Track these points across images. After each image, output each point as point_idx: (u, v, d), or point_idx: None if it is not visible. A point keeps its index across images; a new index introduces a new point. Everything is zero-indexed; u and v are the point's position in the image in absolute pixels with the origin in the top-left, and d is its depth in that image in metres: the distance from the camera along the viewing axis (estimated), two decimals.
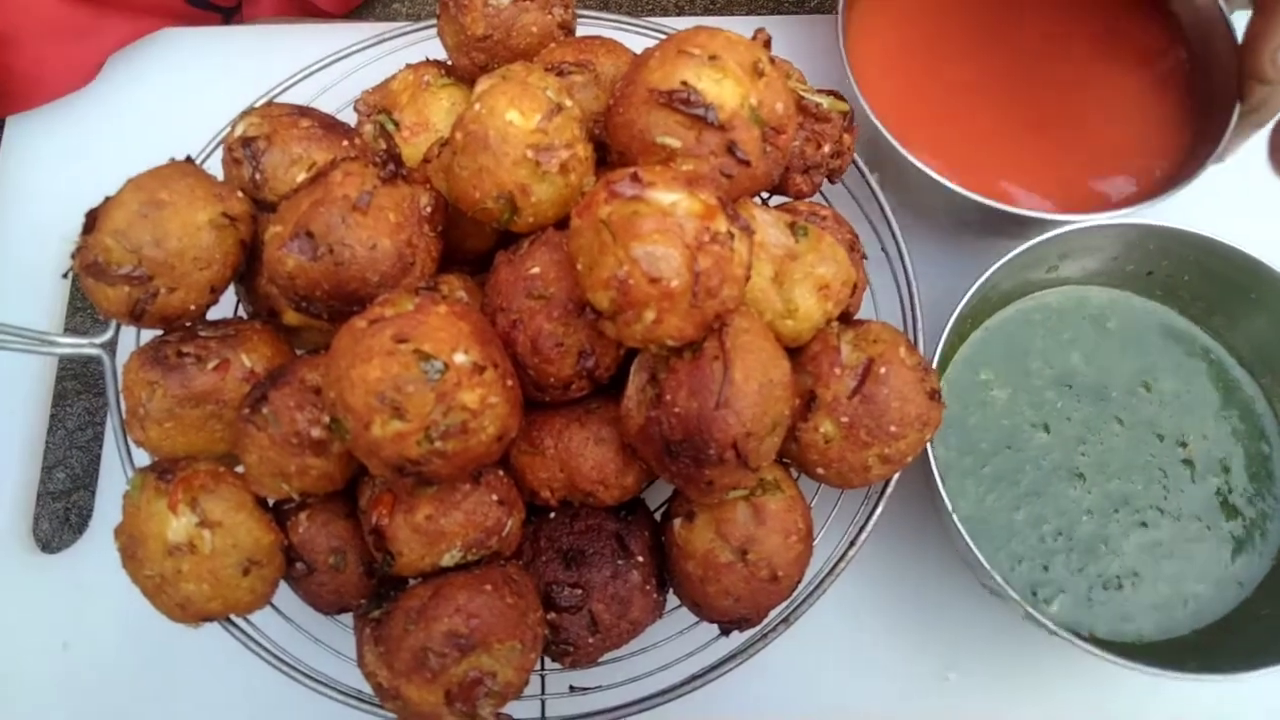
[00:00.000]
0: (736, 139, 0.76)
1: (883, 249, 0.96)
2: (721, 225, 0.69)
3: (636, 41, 1.03)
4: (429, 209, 0.80)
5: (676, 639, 0.87)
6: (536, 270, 0.76)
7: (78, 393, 1.33)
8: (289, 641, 0.86)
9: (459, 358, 0.67)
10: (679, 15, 1.58)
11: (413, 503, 0.73)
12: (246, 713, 0.97)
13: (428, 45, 1.02)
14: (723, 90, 0.75)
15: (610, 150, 0.81)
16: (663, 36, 1.02)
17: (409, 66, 0.98)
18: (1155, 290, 0.99)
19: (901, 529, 0.99)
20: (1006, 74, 1.03)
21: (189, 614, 0.76)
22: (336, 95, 1.03)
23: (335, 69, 1.03)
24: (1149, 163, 0.99)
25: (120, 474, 0.90)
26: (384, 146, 0.78)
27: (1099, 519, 0.92)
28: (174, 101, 1.22)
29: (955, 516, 0.85)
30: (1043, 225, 0.93)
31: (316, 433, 0.73)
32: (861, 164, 0.96)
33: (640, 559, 0.82)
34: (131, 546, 0.76)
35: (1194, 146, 0.97)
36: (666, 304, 0.67)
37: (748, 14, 1.49)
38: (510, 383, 0.71)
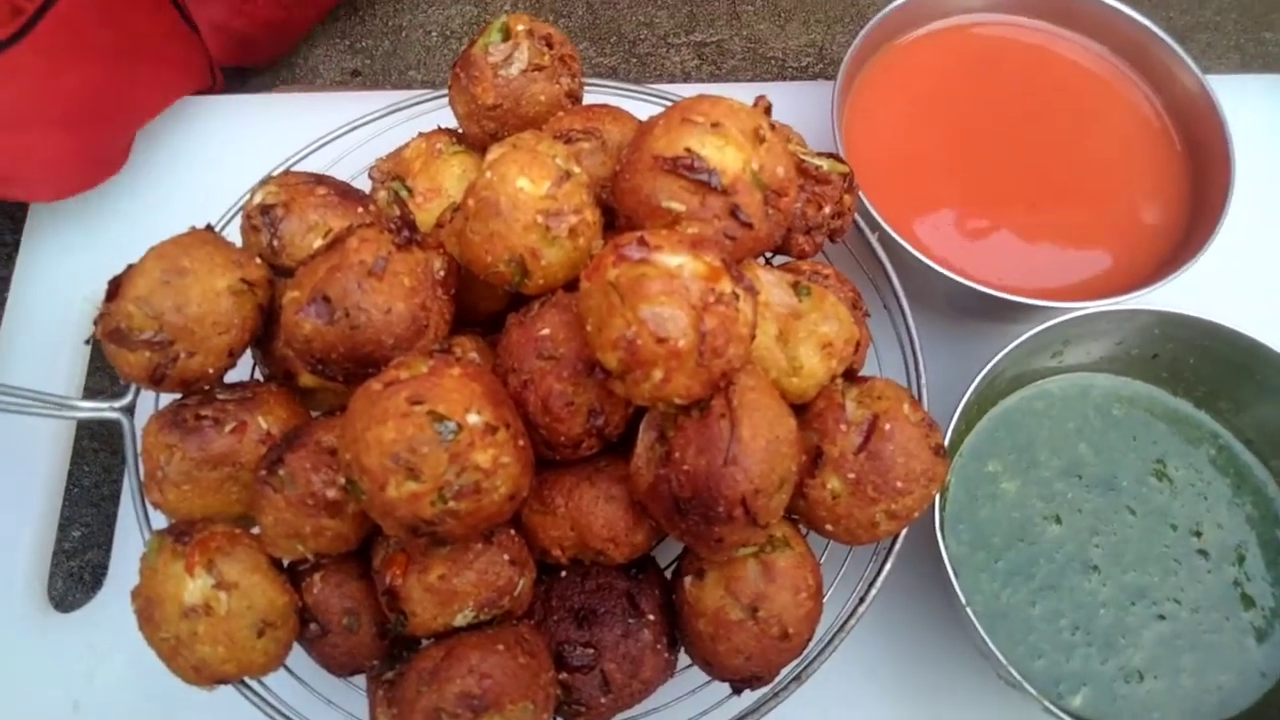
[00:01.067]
0: (739, 202, 0.78)
1: (884, 305, 0.98)
2: (726, 286, 0.71)
3: (642, 108, 1.07)
4: (442, 273, 0.82)
5: (688, 698, 0.87)
6: (546, 332, 0.78)
7: (94, 451, 1.35)
8: (302, 704, 0.86)
9: (472, 418, 0.68)
10: (684, 82, 1.62)
11: (426, 563, 0.74)
12: None
13: (439, 114, 1.06)
14: (725, 156, 0.78)
15: (617, 214, 0.84)
16: (667, 104, 1.06)
17: (421, 135, 1.01)
18: (1161, 374, 1.00)
19: (911, 590, 0.99)
20: (1001, 154, 1.06)
21: (204, 676, 0.76)
22: (351, 163, 1.06)
23: (350, 138, 1.07)
24: (1148, 244, 1.01)
25: (136, 534, 0.91)
26: (398, 213, 0.80)
27: (1116, 611, 0.92)
28: (195, 169, 1.26)
29: (970, 611, 0.85)
30: (1044, 312, 0.95)
31: (332, 494, 0.75)
32: (861, 223, 0.99)
33: (651, 617, 0.82)
34: (148, 609, 0.77)
35: (1192, 228, 1.00)
36: (674, 363, 0.69)
37: (752, 80, 1.54)
38: (522, 443, 0.72)
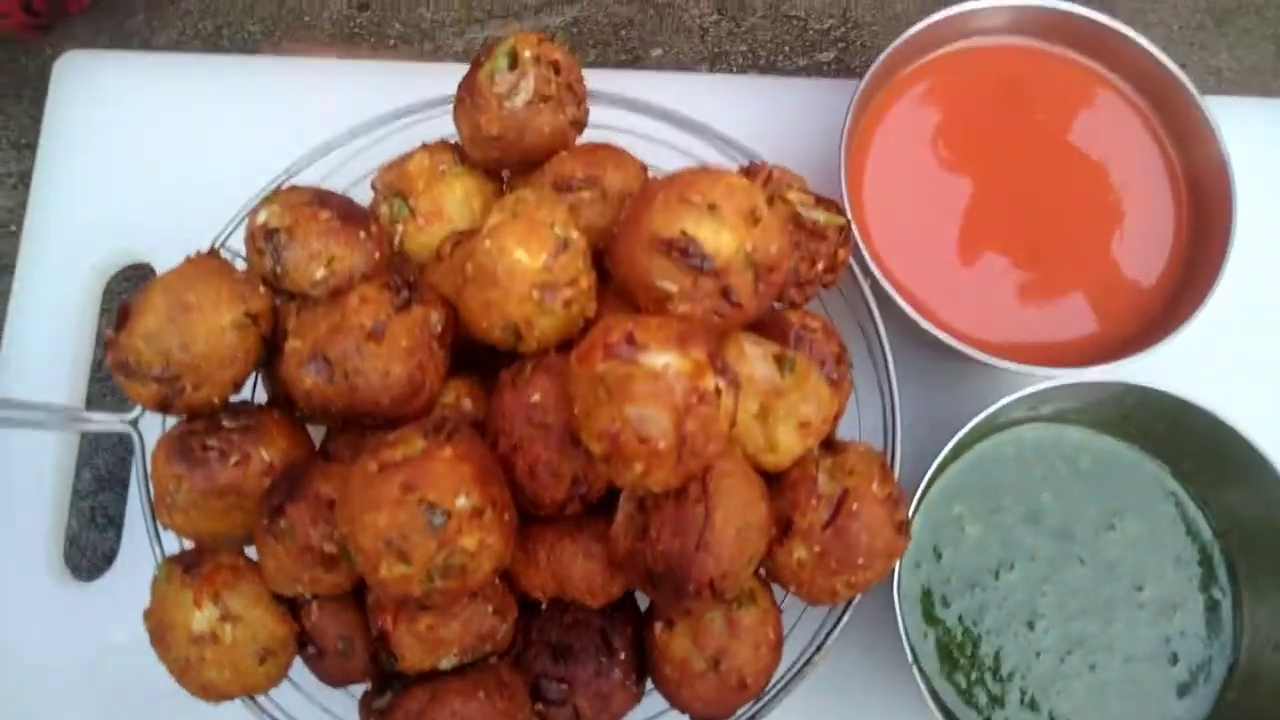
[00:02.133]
0: (730, 284, 0.80)
1: (869, 351, 1.00)
2: (709, 383, 0.73)
3: (645, 123, 1.06)
4: (439, 327, 0.85)
5: None
6: (537, 398, 0.81)
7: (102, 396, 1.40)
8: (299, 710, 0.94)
9: (461, 502, 0.72)
10: (701, 39, 1.55)
11: (415, 613, 0.80)
12: None
13: (445, 120, 1.04)
14: (720, 240, 0.79)
15: (612, 274, 0.85)
16: (671, 121, 1.05)
17: (425, 147, 1.00)
18: (1131, 431, 1.02)
19: (864, 627, 1.04)
20: (1006, 198, 1.05)
21: (210, 695, 0.83)
22: (352, 168, 1.05)
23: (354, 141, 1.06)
24: (1137, 304, 1.02)
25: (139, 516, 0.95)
26: (400, 281, 0.82)
27: (1054, 659, 0.98)
28: (204, 129, 1.25)
29: (915, 669, 0.92)
30: (1026, 376, 0.97)
31: (329, 548, 0.80)
32: (855, 268, 1.00)
33: (623, 655, 0.89)
34: (160, 631, 0.83)
35: (1180, 297, 1.00)
36: (654, 460, 0.73)
37: (770, 40, 1.48)
38: (507, 516, 0.77)
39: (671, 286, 0.79)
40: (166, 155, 1.25)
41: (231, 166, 1.05)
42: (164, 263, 1.13)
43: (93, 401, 1.29)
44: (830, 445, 0.89)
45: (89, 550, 1.35)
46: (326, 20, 1.47)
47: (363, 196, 1.01)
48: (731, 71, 1.48)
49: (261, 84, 1.27)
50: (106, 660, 1.09)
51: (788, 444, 0.83)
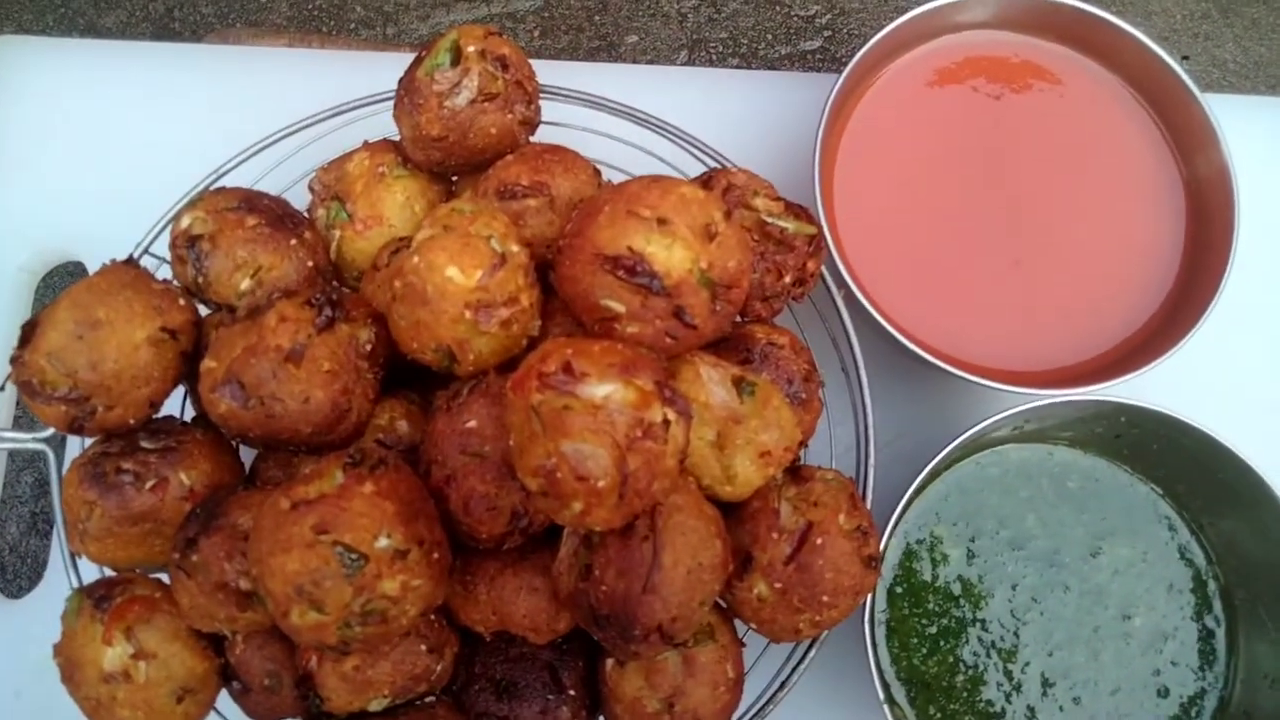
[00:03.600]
0: (684, 304, 0.73)
1: (843, 368, 0.94)
2: (656, 414, 0.67)
3: (607, 121, 0.99)
4: (369, 345, 0.78)
5: None
6: (473, 424, 0.75)
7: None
8: None
9: (381, 543, 0.66)
10: (680, 25, 1.48)
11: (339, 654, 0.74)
12: None
13: (386, 119, 0.97)
14: (671, 256, 0.72)
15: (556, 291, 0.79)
16: (636, 119, 0.98)
17: (366, 147, 0.94)
18: (1123, 451, 0.96)
19: (837, 658, 0.99)
20: (991, 205, 0.98)
21: None
22: (290, 167, 0.98)
23: (293, 137, 0.99)
24: (1131, 318, 0.95)
25: None
26: (324, 297, 0.75)
27: (1036, 690, 0.92)
28: (148, 120, 1.18)
29: (886, 707, 0.87)
30: (1011, 394, 0.91)
31: (244, 584, 0.74)
32: (828, 278, 0.93)
33: (572, 692, 0.83)
34: (69, 669, 0.77)
35: (1176, 311, 0.94)
36: (594, 500, 0.66)
37: (752, 28, 1.41)
38: (436, 555, 0.71)
39: (618, 307, 0.73)
40: (107, 147, 1.18)
41: (177, 160, 0.98)
42: (100, 263, 1.06)
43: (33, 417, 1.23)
44: (795, 473, 0.82)
45: (29, 558, 1.30)
46: (284, 2, 1.40)
47: (301, 197, 0.95)
48: (710, 60, 1.41)
49: (208, 74, 1.20)
50: (33, 682, 1.03)
51: (746, 475, 0.77)
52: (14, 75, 1.19)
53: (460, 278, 0.72)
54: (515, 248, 0.75)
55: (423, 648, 0.76)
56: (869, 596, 0.89)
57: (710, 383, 0.77)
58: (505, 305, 0.73)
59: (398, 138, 0.94)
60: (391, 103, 0.96)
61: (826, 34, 1.36)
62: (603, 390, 0.66)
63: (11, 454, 1.30)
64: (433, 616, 0.78)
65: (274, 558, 0.65)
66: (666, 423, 0.68)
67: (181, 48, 1.26)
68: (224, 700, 0.83)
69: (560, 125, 0.98)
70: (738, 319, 0.89)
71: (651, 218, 0.72)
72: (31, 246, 1.14)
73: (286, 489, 0.68)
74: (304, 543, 0.65)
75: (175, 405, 0.90)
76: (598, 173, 0.88)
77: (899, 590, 0.96)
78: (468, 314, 0.72)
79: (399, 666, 0.75)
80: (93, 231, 1.15)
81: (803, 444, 0.83)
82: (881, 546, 0.86)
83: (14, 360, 0.79)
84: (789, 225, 0.85)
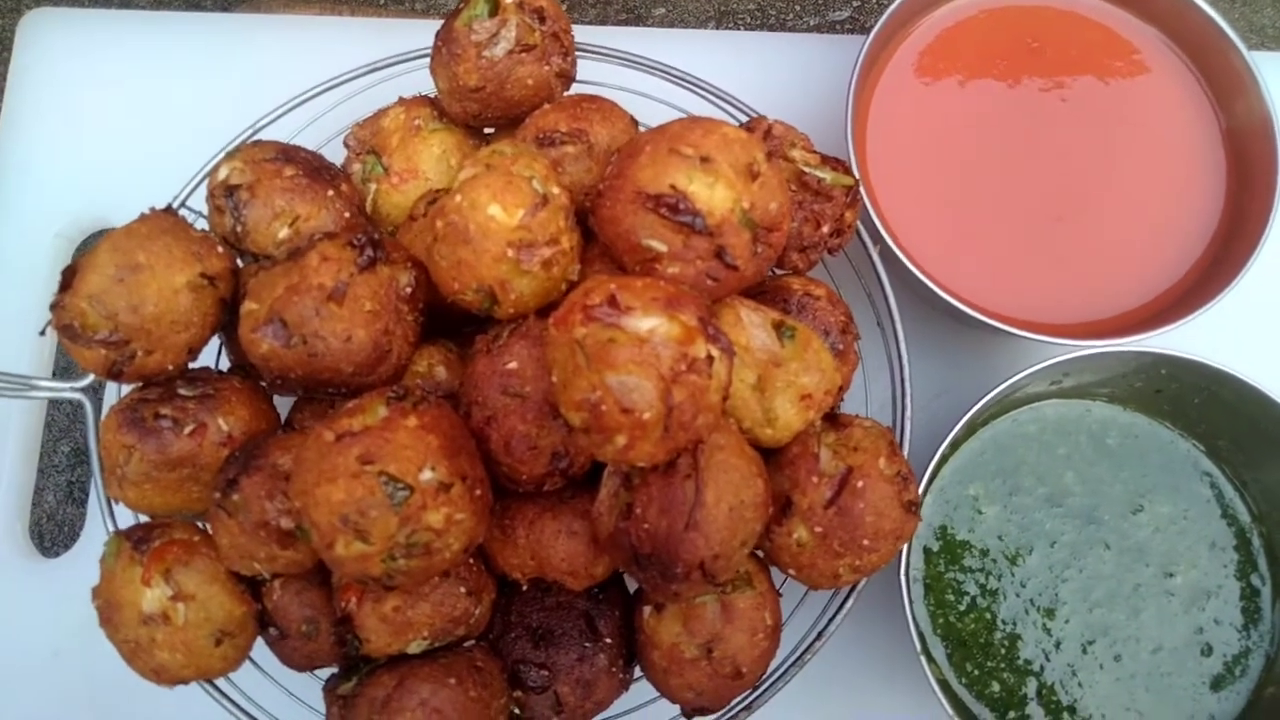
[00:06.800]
0: (725, 244, 0.73)
1: (878, 323, 0.93)
2: (700, 350, 0.67)
3: (642, 80, 0.99)
4: (409, 289, 0.78)
5: (638, 711, 0.89)
6: (514, 365, 0.74)
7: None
8: (263, 694, 0.88)
9: (425, 476, 0.66)
10: (702, 27, 1.48)
11: (380, 594, 0.74)
12: None
13: (423, 74, 0.98)
14: (714, 195, 0.72)
15: (596, 235, 0.79)
16: (669, 77, 0.98)
17: (402, 102, 0.94)
18: (1164, 407, 0.95)
19: (868, 613, 0.99)
20: (1030, 158, 0.97)
21: (163, 679, 0.78)
22: (325, 126, 0.99)
23: (327, 96, 0.99)
24: (1171, 271, 0.95)
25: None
26: (365, 238, 0.75)
27: (1075, 649, 0.91)
28: (181, 89, 1.18)
29: (923, 659, 0.86)
30: (1048, 347, 0.90)
31: (285, 523, 0.74)
32: (864, 232, 0.93)
33: (608, 640, 0.83)
34: (107, 611, 0.77)
35: (1218, 262, 0.93)
36: (638, 433, 0.66)
37: (765, 29, 1.41)
38: (479, 491, 0.71)
39: (660, 246, 0.73)
40: (140, 117, 1.18)
41: (209, 127, 0.99)
42: None
43: (70, 372, 1.24)
44: (834, 420, 0.82)
45: (65, 525, 1.30)
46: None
47: (337, 155, 0.95)
48: (738, 30, 1.41)
49: (240, 43, 1.21)
50: (71, 640, 1.03)
51: (787, 418, 0.77)
52: (49, 47, 1.20)
53: (503, 215, 0.72)
54: (556, 189, 0.75)
55: (462, 589, 0.76)
56: (904, 550, 0.89)
57: (751, 325, 0.77)
58: (547, 245, 0.73)
59: (432, 95, 0.95)
60: (426, 61, 0.97)
61: (856, 3, 1.36)
62: (647, 323, 0.66)
63: (49, 424, 1.31)
64: (471, 560, 0.78)
65: (319, 488, 0.65)
66: (710, 359, 0.67)
67: (213, 17, 1.27)
68: (259, 649, 0.84)
69: (594, 84, 0.98)
70: (774, 271, 0.89)
71: (694, 156, 0.72)
72: (68, 214, 1.15)
73: (330, 422, 0.68)
74: (349, 473, 0.65)
75: (209, 359, 0.91)
76: (635, 123, 0.88)
77: (935, 548, 0.95)
78: (510, 252, 0.72)
79: (439, 608, 0.75)
80: (127, 199, 1.15)
81: (842, 390, 0.82)
82: None
83: (54, 306, 0.79)
84: (826, 176, 0.85)
